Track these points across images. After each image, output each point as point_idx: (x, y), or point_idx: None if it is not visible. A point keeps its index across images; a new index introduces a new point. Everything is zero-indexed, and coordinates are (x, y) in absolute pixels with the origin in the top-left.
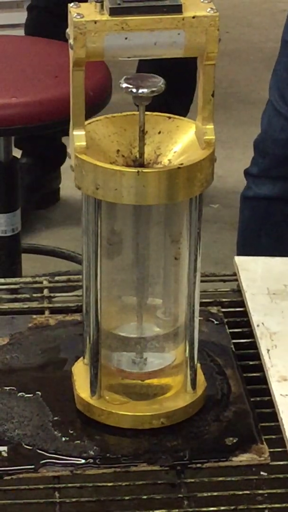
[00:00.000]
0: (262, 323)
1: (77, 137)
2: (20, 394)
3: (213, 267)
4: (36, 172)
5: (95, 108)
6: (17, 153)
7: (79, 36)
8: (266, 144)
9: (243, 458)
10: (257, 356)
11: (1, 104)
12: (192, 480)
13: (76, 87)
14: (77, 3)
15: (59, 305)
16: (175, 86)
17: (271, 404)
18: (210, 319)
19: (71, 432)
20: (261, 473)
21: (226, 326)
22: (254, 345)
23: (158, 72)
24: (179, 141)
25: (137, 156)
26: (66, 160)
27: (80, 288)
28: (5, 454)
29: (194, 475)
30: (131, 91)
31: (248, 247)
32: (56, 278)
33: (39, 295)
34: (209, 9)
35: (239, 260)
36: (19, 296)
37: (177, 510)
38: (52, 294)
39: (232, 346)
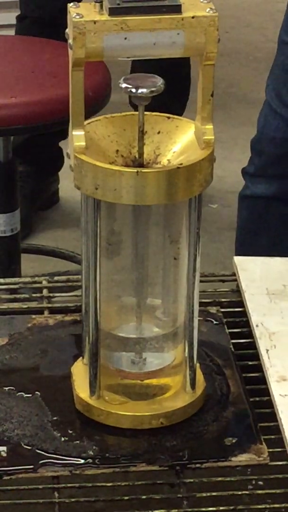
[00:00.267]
0: (261, 323)
1: (77, 137)
2: (19, 394)
3: (212, 267)
4: (36, 180)
5: (94, 108)
6: None
7: (79, 36)
8: (262, 143)
9: (242, 458)
10: (256, 356)
11: (0, 104)
12: (191, 480)
13: (76, 87)
14: (76, 3)
15: (58, 305)
16: (171, 84)
17: (270, 404)
18: (209, 319)
19: (70, 432)
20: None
21: (225, 326)
22: (253, 345)
23: (152, 71)
24: (179, 141)
25: (137, 156)
26: (64, 162)
27: (79, 288)
28: (4, 454)
29: (193, 475)
30: (131, 91)
31: (246, 247)
32: (56, 278)
33: (38, 295)
34: (208, 9)
35: (238, 260)
36: (18, 296)
37: (176, 510)
38: (51, 294)
39: (231, 346)
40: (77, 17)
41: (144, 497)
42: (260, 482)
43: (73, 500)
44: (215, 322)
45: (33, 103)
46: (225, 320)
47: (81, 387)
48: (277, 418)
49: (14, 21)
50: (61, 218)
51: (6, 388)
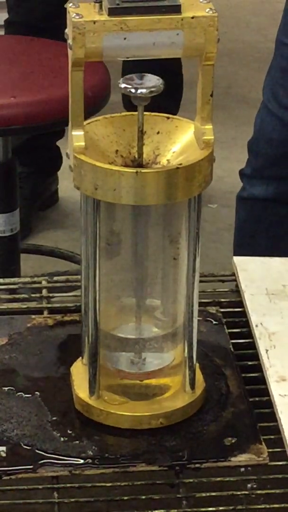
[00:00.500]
0: (261, 323)
1: (76, 137)
2: (18, 394)
3: (211, 267)
4: (35, 180)
5: (94, 108)
6: None
7: (78, 36)
8: (259, 144)
9: (242, 458)
10: (256, 356)
11: (0, 104)
12: (191, 480)
13: (75, 87)
14: (76, 2)
15: (57, 305)
16: (164, 83)
17: (269, 404)
18: (209, 319)
19: (70, 432)
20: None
21: (225, 326)
22: (252, 345)
23: (143, 70)
24: (178, 141)
25: (136, 156)
26: (63, 162)
27: (78, 288)
28: (3, 454)
29: (193, 475)
30: (130, 91)
31: (244, 248)
32: (55, 278)
33: (37, 295)
34: (208, 9)
35: (238, 260)
36: (18, 296)
37: (175, 510)
38: (50, 294)
39: (231, 346)
40: (77, 17)
41: (143, 497)
42: (260, 482)
43: (72, 500)
44: (214, 322)
45: (33, 103)
46: (224, 320)
47: (80, 387)
48: (277, 418)
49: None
50: (61, 218)
51: (6, 388)
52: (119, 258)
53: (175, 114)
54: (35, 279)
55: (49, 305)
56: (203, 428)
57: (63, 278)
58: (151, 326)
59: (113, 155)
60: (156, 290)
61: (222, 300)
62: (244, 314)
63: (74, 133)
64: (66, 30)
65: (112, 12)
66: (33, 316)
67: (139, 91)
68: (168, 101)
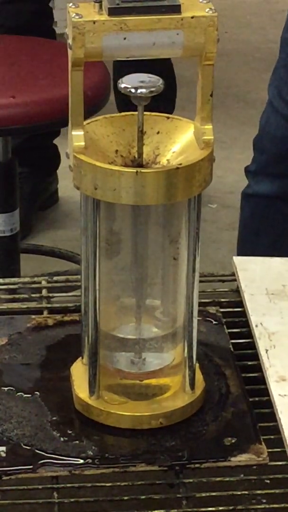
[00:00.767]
0: (261, 323)
1: (76, 137)
2: (18, 394)
3: (211, 267)
4: (35, 180)
5: (93, 108)
6: None
7: (78, 36)
8: (263, 141)
9: (242, 458)
10: (256, 356)
11: (0, 104)
12: (191, 480)
13: (75, 87)
14: (75, 2)
15: (57, 305)
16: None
17: (269, 404)
18: (209, 319)
19: (70, 432)
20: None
21: (225, 326)
22: (252, 345)
23: (134, 70)
24: (178, 141)
25: (136, 156)
26: (62, 162)
27: (78, 288)
28: (3, 454)
29: (193, 475)
30: (130, 91)
31: (248, 246)
32: (55, 278)
33: (37, 295)
34: (208, 9)
35: (238, 260)
36: (17, 296)
37: (175, 510)
38: (50, 294)
39: (231, 346)
40: (77, 17)
41: (143, 497)
42: (260, 482)
43: (72, 500)
44: (214, 322)
45: (33, 103)
46: (224, 320)
47: (80, 387)
48: (277, 418)
49: None
50: (61, 218)
51: (6, 388)
52: (119, 258)
53: (171, 113)
54: (35, 279)
55: (49, 305)
56: (203, 428)
57: (63, 278)
58: (151, 326)
59: (113, 155)
60: (156, 290)
61: (222, 300)
62: (244, 314)
63: (74, 133)
64: (66, 30)
65: (112, 12)
66: (33, 316)
67: (139, 91)
68: (163, 101)
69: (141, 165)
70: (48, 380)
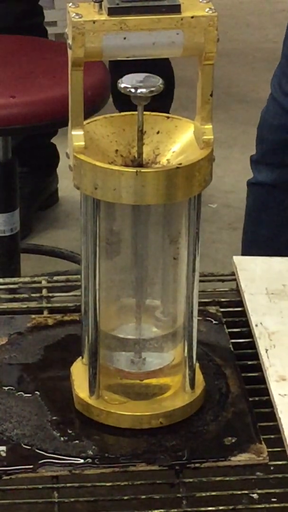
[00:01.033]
0: (261, 323)
1: (76, 137)
2: (18, 393)
3: (211, 267)
4: (35, 179)
5: (93, 108)
6: None
7: (78, 36)
8: (263, 130)
9: (242, 458)
10: (256, 356)
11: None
12: (191, 480)
13: (75, 87)
14: (75, 2)
15: (57, 305)
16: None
17: (269, 403)
18: (209, 319)
19: (70, 432)
20: (258, 473)
21: (225, 326)
22: (252, 345)
23: (132, 71)
24: (178, 141)
25: (136, 156)
26: (62, 161)
27: (78, 288)
28: (3, 454)
29: (193, 475)
30: (130, 91)
31: (249, 236)
32: (55, 278)
33: (37, 295)
34: (207, 9)
35: (238, 260)
36: (18, 296)
37: (175, 510)
38: (50, 294)
39: (231, 345)
40: (77, 17)
41: (143, 497)
42: (260, 482)
43: (72, 500)
44: (214, 322)
45: (33, 103)
46: (224, 319)
47: (80, 387)
48: (277, 418)
49: None
50: (61, 218)
51: (6, 388)
52: (119, 257)
53: (167, 112)
54: (35, 279)
55: (49, 305)
56: (203, 428)
57: (63, 277)
58: (151, 326)
59: (113, 154)
60: (156, 290)
61: (222, 299)
62: (244, 313)
63: (74, 132)
64: (66, 30)
65: (112, 11)
66: (33, 316)
67: (138, 90)
68: (160, 103)
69: (141, 165)
70: (48, 380)
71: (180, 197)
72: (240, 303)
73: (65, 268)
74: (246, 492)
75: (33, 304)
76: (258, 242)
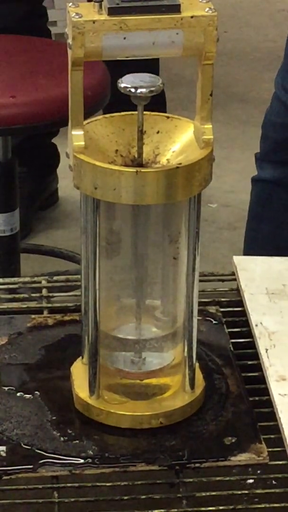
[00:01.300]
0: (261, 323)
1: (76, 137)
2: (19, 394)
3: (211, 266)
4: (35, 179)
5: (93, 108)
6: None
7: (78, 35)
8: (266, 128)
9: (242, 458)
10: (256, 356)
11: (0, 104)
12: (191, 480)
13: (75, 87)
14: (75, 2)
15: (57, 304)
16: None
17: (269, 403)
18: (209, 318)
19: (70, 432)
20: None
21: (225, 326)
22: (252, 345)
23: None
24: (178, 141)
25: (136, 156)
26: (62, 161)
27: (78, 287)
28: (3, 454)
29: (193, 474)
30: (130, 91)
31: (251, 233)
32: (55, 278)
33: (37, 294)
34: (207, 8)
35: (238, 260)
36: (17, 295)
37: (175, 510)
38: (50, 294)
39: (231, 345)
40: (76, 16)
41: (143, 496)
42: (260, 482)
43: (72, 500)
44: (214, 322)
45: (33, 103)
46: (224, 319)
47: (80, 387)
48: (277, 418)
49: None
50: (61, 217)
51: (6, 388)
52: (119, 257)
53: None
54: (35, 278)
55: (49, 305)
56: (203, 428)
57: (63, 277)
58: (151, 326)
59: (113, 154)
60: (156, 290)
61: (222, 299)
62: (244, 313)
63: (74, 132)
64: (66, 30)
65: (112, 11)
66: (33, 316)
67: (138, 90)
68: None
69: (141, 165)
70: (48, 380)
71: (180, 197)
72: (240, 303)
73: (65, 268)
74: (246, 492)
75: (33, 304)
76: (259, 239)
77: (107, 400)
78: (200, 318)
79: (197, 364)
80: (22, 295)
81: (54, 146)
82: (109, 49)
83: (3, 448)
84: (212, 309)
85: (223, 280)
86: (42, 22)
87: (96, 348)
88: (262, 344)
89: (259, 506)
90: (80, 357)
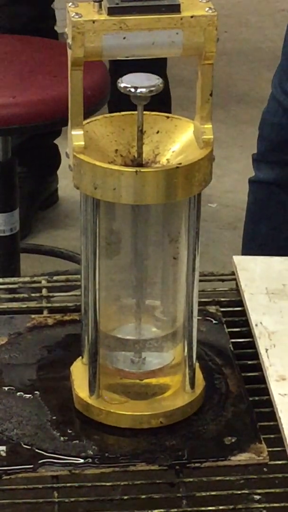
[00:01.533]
0: (261, 323)
1: (76, 137)
2: (18, 393)
3: (211, 266)
4: (35, 179)
5: (93, 108)
6: None
7: (78, 35)
8: (264, 128)
9: (242, 458)
10: (256, 356)
11: (0, 104)
12: (191, 480)
13: (75, 86)
14: (75, 2)
15: (57, 304)
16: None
17: (269, 403)
18: (209, 318)
19: (70, 431)
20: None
21: (225, 326)
22: (252, 345)
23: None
24: (178, 141)
25: (136, 155)
26: (62, 161)
27: (78, 287)
28: (3, 454)
29: (193, 474)
30: (130, 90)
31: (248, 234)
32: (55, 277)
33: (37, 294)
34: (207, 8)
35: (238, 260)
36: (17, 295)
37: (175, 510)
38: (50, 294)
39: (231, 345)
40: (76, 16)
41: (143, 496)
42: (260, 482)
43: (72, 499)
44: (214, 322)
45: (33, 103)
46: (224, 319)
47: (80, 387)
48: (277, 418)
49: None
50: (61, 217)
51: (6, 388)
52: (119, 257)
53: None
54: (35, 278)
55: (49, 305)
56: (203, 428)
57: (63, 277)
58: (151, 326)
59: (113, 154)
60: (156, 290)
61: (222, 299)
62: (244, 313)
63: (73, 132)
64: (66, 30)
65: (112, 11)
66: (33, 316)
67: (138, 90)
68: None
69: (140, 165)
70: (48, 380)
71: (179, 197)
72: (240, 302)
73: (65, 267)
74: (246, 492)
75: (33, 304)
76: (258, 240)
77: (107, 400)
78: (200, 318)
79: (197, 364)
80: (22, 295)
81: (56, 147)
82: (109, 49)
83: (3, 448)
84: (212, 309)
85: (223, 280)
86: (49, 26)
87: (96, 348)
88: (262, 344)
89: (259, 506)
90: (80, 357)
